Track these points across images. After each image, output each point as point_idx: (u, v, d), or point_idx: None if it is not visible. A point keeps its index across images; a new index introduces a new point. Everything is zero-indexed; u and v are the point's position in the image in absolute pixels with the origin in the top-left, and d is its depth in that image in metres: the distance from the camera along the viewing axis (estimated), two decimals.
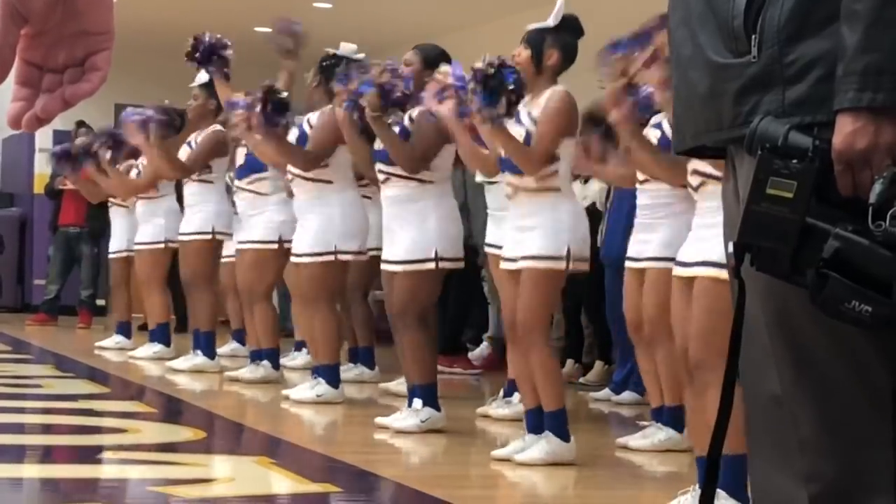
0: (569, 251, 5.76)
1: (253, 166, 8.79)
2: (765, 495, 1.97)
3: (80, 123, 13.57)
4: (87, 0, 1.39)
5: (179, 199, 10.22)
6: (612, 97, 5.26)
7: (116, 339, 11.31)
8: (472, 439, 7.01)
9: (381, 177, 6.93)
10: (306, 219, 7.79)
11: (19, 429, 6.72)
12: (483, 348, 10.73)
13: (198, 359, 9.64)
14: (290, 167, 7.85)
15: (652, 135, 6.09)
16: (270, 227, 8.68)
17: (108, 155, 10.53)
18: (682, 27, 1.98)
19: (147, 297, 10.55)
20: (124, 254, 11.27)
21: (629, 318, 6.28)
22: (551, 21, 5.90)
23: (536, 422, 5.90)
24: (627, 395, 8.46)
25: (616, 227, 8.13)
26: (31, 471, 5.71)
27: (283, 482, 5.41)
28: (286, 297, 12.84)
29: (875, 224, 1.74)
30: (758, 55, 1.85)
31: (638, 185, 6.21)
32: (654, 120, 6.17)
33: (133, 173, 10.73)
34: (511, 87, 5.78)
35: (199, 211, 9.67)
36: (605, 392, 8.64)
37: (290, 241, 8.07)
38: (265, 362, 8.80)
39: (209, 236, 9.63)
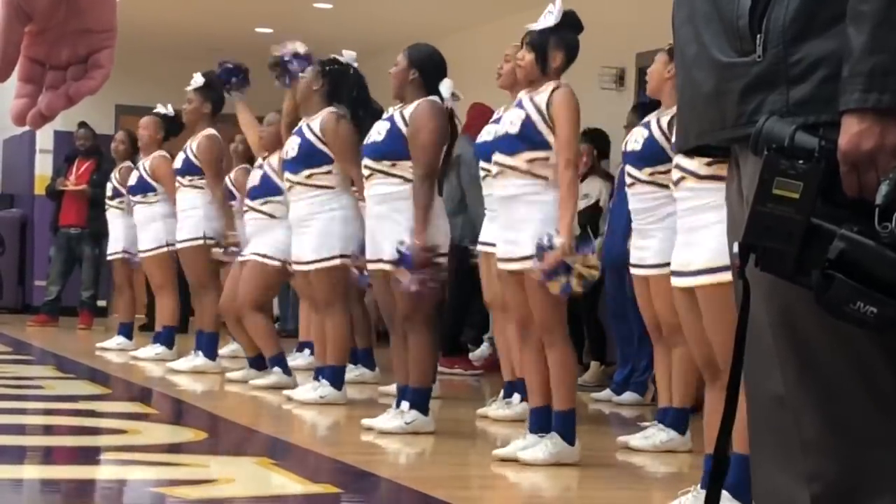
0: None
1: (268, 188, 8.72)
2: (767, 495, 1.97)
3: (82, 124, 13.60)
4: None
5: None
6: None
7: (118, 340, 11.31)
8: (472, 440, 7.02)
9: (365, 172, 6.89)
10: (308, 225, 7.77)
11: (20, 430, 6.72)
12: (483, 349, 10.73)
13: (198, 360, 9.65)
14: (288, 175, 7.83)
15: (639, 134, 6.12)
16: (278, 246, 8.58)
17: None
18: (686, 26, 1.97)
19: (159, 300, 10.59)
20: (121, 255, 11.30)
21: (648, 321, 6.31)
22: (552, 20, 5.89)
23: (541, 421, 5.90)
24: (628, 396, 8.46)
25: (617, 228, 8.13)
26: (32, 472, 5.71)
27: (284, 483, 5.41)
28: (288, 301, 12.89)
29: (881, 225, 1.73)
30: (762, 55, 1.84)
31: (627, 190, 6.22)
32: (644, 119, 6.21)
33: None
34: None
35: (189, 216, 9.69)
36: (606, 393, 8.64)
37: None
38: (276, 368, 8.75)
39: (201, 241, 9.63)
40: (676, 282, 4.94)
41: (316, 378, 7.99)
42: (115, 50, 1.42)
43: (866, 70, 1.74)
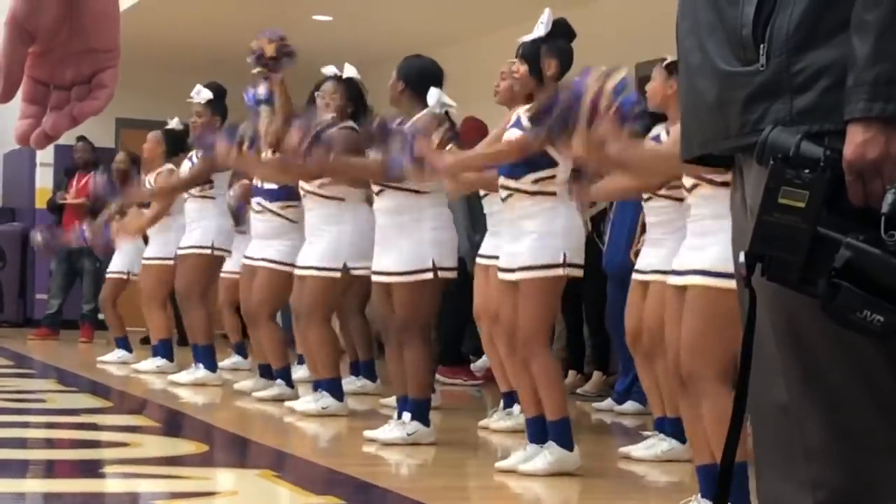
0: (565, 257, 5.76)
1: (290, 193, 8.49)
2: (771, 503, 1.97)
3: (81, 139, 13.60)
4: (94, 18, 1.40)
5: None
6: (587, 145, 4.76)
7: (118, 354, 11.31)
8: (473, 450, 7.01)
9: (375, 188, 6.91)
10: (318, 234, 7.76)
11: (22, 443, 6.71)
12: (485, 360, 10.71)
13: (200, 372, 9.63)
14: (302, 184, 7.80)
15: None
16: (293, 251, 8.47)
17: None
18: (690, 36, 1.98)
19: (148, 314, 10.54)
20: (116, 275, 11.28)
21: (629, 328, 6.27)
22: (542, 30, 5.89)
23: (538, 431, 5.89)
24: (630, 406, 8.44)
25: (619, 237, 8.13)
26: (34, 485, 5.70)
27: (286, 495, 5.40)
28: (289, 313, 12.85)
29: (887, 234, 1.73)
30: (766, 64, 1.85)
31: (643, 203, 6.20)
32: (653, 132, 6.16)
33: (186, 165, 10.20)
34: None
35: (199, 227, 9.65)
36: (608, 402, 8.63)
37: None
38: (279, 381, 8.72)
39: (208, 251, 9.61)
40: (672, 280, 4.89)
41: (315, 389, 7.98)
42: (119, 69, 1.42)
43: (871, 79, 1.74)
